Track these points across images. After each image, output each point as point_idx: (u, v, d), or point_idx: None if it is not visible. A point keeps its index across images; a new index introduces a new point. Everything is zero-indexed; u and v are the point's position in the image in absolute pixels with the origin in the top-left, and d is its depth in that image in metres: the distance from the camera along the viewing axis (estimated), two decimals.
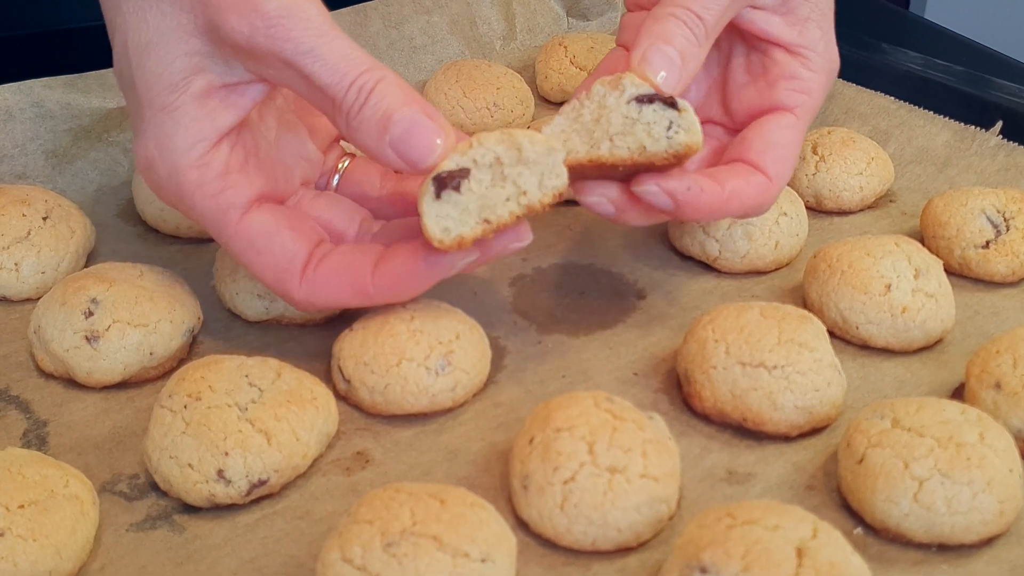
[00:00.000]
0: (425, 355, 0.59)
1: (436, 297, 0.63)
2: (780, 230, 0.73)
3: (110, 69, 0.81)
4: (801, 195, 0.79)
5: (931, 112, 0.89)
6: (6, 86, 0.78)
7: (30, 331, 0.63)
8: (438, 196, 0.54)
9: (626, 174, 0.59)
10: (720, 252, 0.73)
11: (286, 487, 0.56)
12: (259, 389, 0.56)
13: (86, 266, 0.71)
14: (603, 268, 0.75)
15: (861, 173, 0.80)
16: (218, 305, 0.68)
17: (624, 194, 0.61)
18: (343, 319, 0.63)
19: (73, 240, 0.71)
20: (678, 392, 0.63)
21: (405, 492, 0.49)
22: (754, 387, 0.58)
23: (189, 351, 0.65)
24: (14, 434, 0.59)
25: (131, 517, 0.54)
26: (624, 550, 0.52)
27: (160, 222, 0.76)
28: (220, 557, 0.52)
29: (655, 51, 0.59)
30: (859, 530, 0.54)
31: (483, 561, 0.47)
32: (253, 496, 0.54)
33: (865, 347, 0.66)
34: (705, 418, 0.61)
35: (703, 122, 0.61)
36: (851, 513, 0.54)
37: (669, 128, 0.57)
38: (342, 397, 0.61)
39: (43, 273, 0.69)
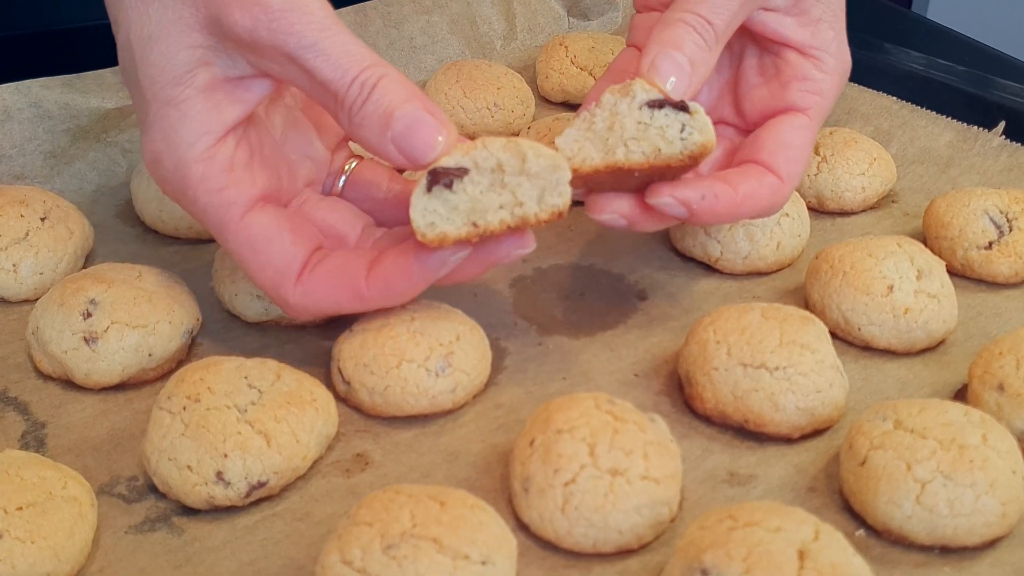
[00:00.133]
0: (425, 356, 0.59)
1: (436, 298, 0.63)
2: (782, 231, 0.73)
3: (109, 69, 0.82)
4: (803, 196, 0.79)
5: (934, 112, 0.89)
6: (4, 86, 0.78)
7: (28, 332, 0.63)
8: (429, 190, 0.54)
9: (641, 180, 0.59)
10: (722, 253, 0.72)
11: (285, 489, 0.56)
12: (258, 391, 0.56)
13: (84, 267, 0.71)
14: (604, 269, 0.74)
15: (863, 174, 0.80)
16: (217, 306, 0.68)
17: (636, 207, 0.61)
18: (343, 320, 0.63)
19: (71, 241, 0.70)
20: (679, 394, 0.63)
21: (405, 494, 0.49)
22: (756, 388, 0.58)
23: (188, 352, 0.65)
24: (12, 436, 0.59)
25: (130, 519, 0.54)
26: (625, 552, 0.52)
27: (159, 223, 0.76)
28: (219, 559, 0.52)
29: (664, 58, 0.59)
30: (861, 532, 0.53)
31: (483, 563, 0.46)
32: (252, 498, 0.54)
33: (867, 348, 0.66)
34: (706, 419, 0.60)
35: (715, 123, 0.61)
36: (853, 515, 0.54)
37: (682, 130, 0.57)
38: (342, 399, 0.61)
39: (41, 274, 0.69)
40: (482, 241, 0.56)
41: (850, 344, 0.66)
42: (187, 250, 0.75)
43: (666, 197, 0.59)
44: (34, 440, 0.59)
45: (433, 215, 0.54)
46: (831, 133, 0.82)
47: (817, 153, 0.81)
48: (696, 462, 0.58)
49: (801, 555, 0.45)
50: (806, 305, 0.69)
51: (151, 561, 0.52)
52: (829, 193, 0.80)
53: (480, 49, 1.01)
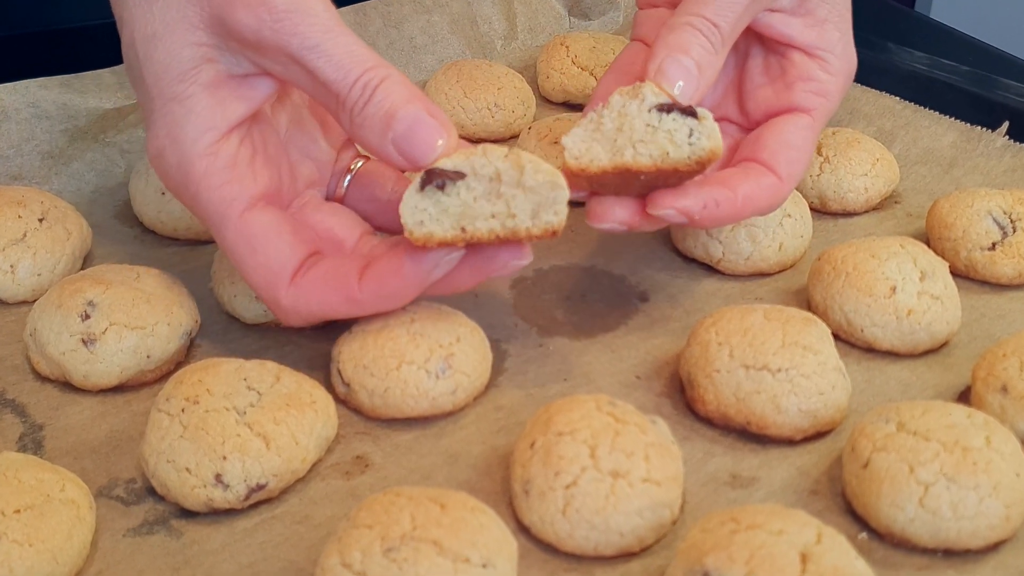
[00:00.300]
0: (425, 358, 0.59)
1: (436, 299, 0.62)
2: (784, 232, 0.72)
3: (107, 69, 0.82)
4: (805, 196, 0.79)
5: (937, 112, 0.88)
6: (1, 86, 0.78)
7: (26, 334, 0.63)
8: (422, 188, 0.54)
9: (646, 184, 0.59)
10: (723, 254, 0.72)
11: (285, 491, 0.55)
12: (257, 393, 0.56)
13: (83, 268, 0.71)
14: (605, 270, 0.74)
15: (866, 174, 0.80)
16: (216, 308, 0.68)
17: (637, 215, 0.61)
18: (342, 322, 0.63)
19: (69, 242, 0.70)
20: (681, 396, 0.62)
21: (405, 496, 0.49)
22: (758, 390, 0.57)
23: (187, 354, 0.65)
24: (10, 438, 0.58)
25: (128, 522, 0.54)
26: (627, 555, 0.52)
27: (157, 224, 0.75)
28: (218, 562, 0.52)
29: (671, 62, 0.59)
30: (864, 535, 0.53)
31: (484, 566, 0.46)
32: (251, 501, 0.54)
33: (870, 350, 0.66)
34: (708, 422, 0.60)
35: (718, 120, 0.61)
36: (856, 518, 0.54)
37: (690, 135, 0.57)
38: (341, 401, 0.61)
39: (39, 275, 0.68)
40: (476, 250, 0.56)
41: (853, 346, 0.66)
42: (186, 251, 0.75)
43: (668, 209, 0.59)
44: (32, 442, 0.58)
45: (423, 214, 0.54)
46: (834, 133, 0.82)
47: (820, 154, 0.80)
48: (698, 464, 0.57)
49: (803, 558, 0.45)
50: (808, 306, 0.68)
51: (149, 564, 0.51)
52: (832, 194, 0.79)
53: (480, 49, 1.01)
